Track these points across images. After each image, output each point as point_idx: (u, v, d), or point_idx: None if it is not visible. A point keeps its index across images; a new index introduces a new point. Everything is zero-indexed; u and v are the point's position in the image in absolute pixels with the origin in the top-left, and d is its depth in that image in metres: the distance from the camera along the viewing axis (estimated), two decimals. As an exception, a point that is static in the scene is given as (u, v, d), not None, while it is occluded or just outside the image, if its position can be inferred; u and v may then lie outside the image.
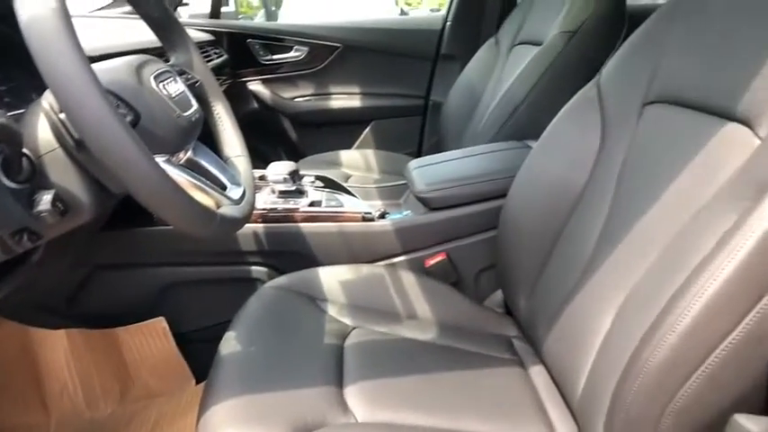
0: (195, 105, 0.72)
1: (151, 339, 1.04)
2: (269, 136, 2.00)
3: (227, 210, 0.68)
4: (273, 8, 2.61)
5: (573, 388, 0.79)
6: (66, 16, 0.50)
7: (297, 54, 1.91)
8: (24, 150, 0.59)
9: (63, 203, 0.60)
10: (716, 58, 0.74)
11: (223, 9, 1.90)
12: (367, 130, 1.99)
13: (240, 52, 1.89)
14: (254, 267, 1.11)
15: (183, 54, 0.81)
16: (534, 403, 0.84)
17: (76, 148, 0.60)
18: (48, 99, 0.61)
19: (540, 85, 1.30)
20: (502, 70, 1.60)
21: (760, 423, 0.45)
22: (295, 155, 1.91)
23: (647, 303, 0.65)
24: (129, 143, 0.51)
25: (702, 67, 0.77)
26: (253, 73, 1.93)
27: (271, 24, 2.20)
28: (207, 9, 1.85)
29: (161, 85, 0.67)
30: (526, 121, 1.30)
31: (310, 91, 1.95)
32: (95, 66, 0.57)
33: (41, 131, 0.61)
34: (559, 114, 1.01)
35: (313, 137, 1.97)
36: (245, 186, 0.76)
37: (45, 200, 0.58)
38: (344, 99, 1.97)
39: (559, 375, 0.86)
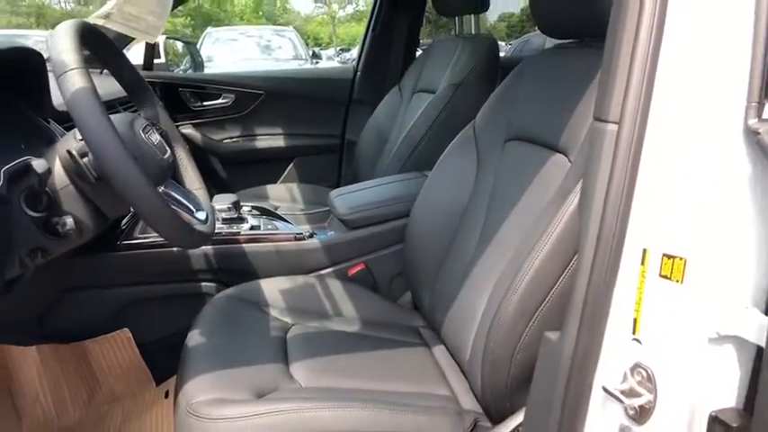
0: (169, 150, 0.93)
1: (117, 348, 1.19)
2: (200, 174, 2.16)
3: (199, 227, 0.88)
4: (200, 59, 2.81)
5: (464, 356, 1.03)
6: (96, 93, 0.71)
7: (224, 101, 2.11)
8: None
9: (78, 226, 0.79)
10: (547, 107, 1.05)
11: (155, 61, 2.08)
12: (290, 166, 2.21)
13: (173, 100, 2.06)
14: (203, 283, 1.30)
15: (150, 109, 1.01)
16: (437, 371, 1.09)
17: (92, 183, 0.79)
18: (67, 147, 0.80)
19: (434, 127, 1.61)
20: (405, 114, 1.90)
21: (556, 334, 0.72)
22: (225, 191, 2.08)
23: (505, 283, 0.92)
24: (141, 179, 0.71)
25: (540, 113, 1.07)
26: (184, 118, 2.11)
27: (200, 75, 2.39)
28: (140, 61, 2.01)
29: (147, 135, 0.87)
30: (424, 156, 1.59)
31: (237, 133, 2.15)
32: None
33: (57, 172, 0.80)
34: (447, 150, 1.29)
35: (241, 174, 2.16)
36: (207, 211, 0.97)
37: (69, 222, 0.77)
38: (269, 139, 2.18)
39: (455, 350, 1.10)
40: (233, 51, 8.23)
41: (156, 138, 0.90)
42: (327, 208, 1.60)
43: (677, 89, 0.60)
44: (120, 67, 0.98)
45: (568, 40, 1.09)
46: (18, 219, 0.80)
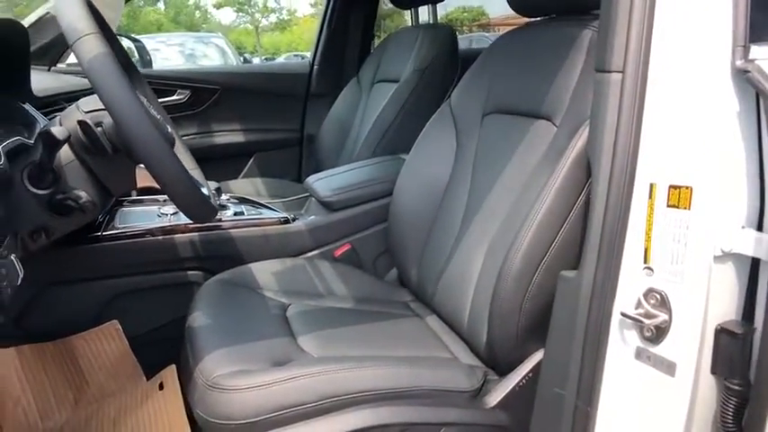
0: (170, 127, 0.92)
1: (106, 342, 1.14)
2: None
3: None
4: (148, 57, 2.73)
5: (461, 320, 1.08)
6: (115, 58, 0.69)
7: (180, 97, 2.06)
8: None
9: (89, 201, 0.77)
10: (525, 79, 1.12)
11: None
12: (250, 161, 2.19)
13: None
14: (190, 272, 1.27)
15: (140, 91, 0.99)
16: (433, 337, 1.12)
17: (105, 156, 0.77)
18: (76, 119, 0.77)
19: (403, 111, 1.66)
20: (366, 104, 1.93)
21: (573, 272, 0.78)
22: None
23: (503, 243, 0.97)
24: (164, 145, 0.71)
25: (518, 85, 1.14)
26: (138, 115, 2.04)
27: (154, 71, 2.31)
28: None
29: (150, 110, 0.86)
30: (396, 140, 1.64)
31: (194, 130, 2.10)
32: None
33: (62, 148, 0.78)
34: (425, 129, 1.33)
35: (201, 170, 2.11)
36: (207, 188, 0.96)
37: (84, 196, 0.74)
38: (227, 135, 2.15)
39: (449, 317, 1.15)
40: (155, 62, 7.90)
41: (155, 113, 0.89)
42: (300, 196, 1.61)
43: (673, 38, 0.68)
44: (113, 48, 0.95)
45: (538, 18, 1.17)
46: (20, 198, 0.77)
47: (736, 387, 0.67)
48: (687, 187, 0.67)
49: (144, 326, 1.24)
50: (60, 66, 1.82)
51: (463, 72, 1.31)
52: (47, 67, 1.73)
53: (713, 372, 0.69)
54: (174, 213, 1.27)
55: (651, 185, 0.70)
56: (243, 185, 1.96)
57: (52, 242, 1.09)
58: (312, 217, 1.39)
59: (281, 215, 1.36)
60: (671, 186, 0.68)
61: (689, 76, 0.67)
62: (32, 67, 1.13)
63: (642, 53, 0.69)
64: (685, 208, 0.67)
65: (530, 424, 0.88)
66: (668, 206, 0.68)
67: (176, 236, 1.25)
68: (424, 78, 1.66)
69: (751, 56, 0.64)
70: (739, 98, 0.65)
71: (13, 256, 0.73)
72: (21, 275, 0.73)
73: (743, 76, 0.64)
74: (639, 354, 0.73)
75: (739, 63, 0.64)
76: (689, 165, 0.67)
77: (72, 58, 1.99)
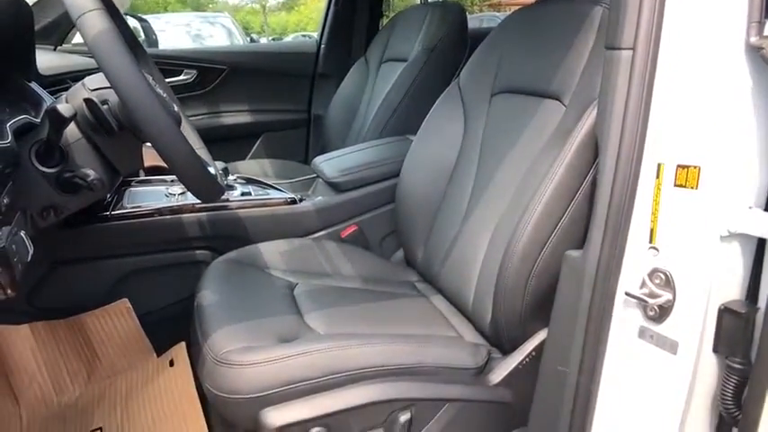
0: (177, 106, 0.92)
1: (116, 320, 1.15)
2: None
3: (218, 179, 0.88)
4: (154, 36, 2.73)
5: (466, 300, 1.09)
6: (119, 35, 0.69)
7: (186, 77, 2.05)
8: None
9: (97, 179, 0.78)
10: (534, 58, 1.11)
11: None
12: (258, 142, 2.19)
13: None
14: (198, 251, 1.28)
15: (146, 71, 0.99)
16: (439, 316, 1.13)
17: (111, 134, 0.77)
18: (82, 97, 0.77)
19: (411, 91, 1.64)
20: (374, 84, 1.92)
21: (578, 251, 0.78)
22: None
23: (509, 223, 0.97)
24: (171, 123, 0.71)
25: (527, 64, 1.13)
26: (145, 95, 2.04)
27: (160, 51, 2.31)
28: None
29: (155, 88, 0.86)
30: (404, 120, 1.63)
31: (202, 110, 2.09)
32: None
33: (69, 126, 0.78)
34: (432, 109, 1.33)
35: (207, 150, 2.12)
36: (214, 168, 0.97)
37: (92, 174, 0.75)
38: (235, 116, 2.14)
39: (454, 297, 1.15)
40: (161, 43, 7.82)
41: (161, 91, 0.89)
42: (307, 177, 1.61)
43: (685, 14, 0.67)
44: (118, 25, 0.95)
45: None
46: (29, 175, 0.78)
47: (738, 365, 0.67)
48: (695, 167, 0.66)
49: (153, 304, 1.25)
50: (66, 45, 1.81)
51: (472, 51, 1.30)
52: (53, 47, 1.73)
53: (715, 350, 0.70)
54: (181, 193, 1.28)
55: (659, 165, 0.69)
56: (250, 166, 1.96)
57: (62, 222, 1.10)
58: (319, 198, 1.40)
59: (289, 196, 1.36)
60: (679, 166, 0.67)
61: (701, 54, 0.66)
62: (38, 46, 1.13)
63: (653, 30, 0.68)
64: (693, 188, 0.67)
65: (532, 401, 0.89)
66: (675, 186, 0.68)
67: (184, 215, 1.26)
68: (433, 58, 1.65)
69: (766, 32, 0.63)
70: (752, 76, 0.64)
71: (23, 233, 0.74)
72: (31, 252, 0.74)
73: (757, 53, 0.63)
74: (642, 332, 0.73)
75: (754, 40, 0.63)
76: (698, 144, 0.66)
77: (78, 38, 1.98)
